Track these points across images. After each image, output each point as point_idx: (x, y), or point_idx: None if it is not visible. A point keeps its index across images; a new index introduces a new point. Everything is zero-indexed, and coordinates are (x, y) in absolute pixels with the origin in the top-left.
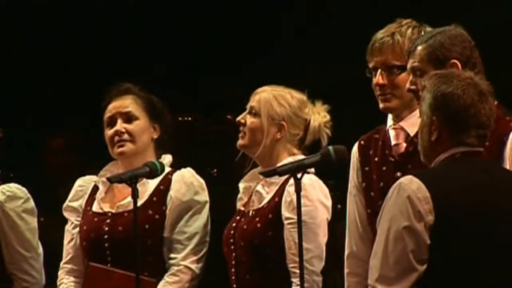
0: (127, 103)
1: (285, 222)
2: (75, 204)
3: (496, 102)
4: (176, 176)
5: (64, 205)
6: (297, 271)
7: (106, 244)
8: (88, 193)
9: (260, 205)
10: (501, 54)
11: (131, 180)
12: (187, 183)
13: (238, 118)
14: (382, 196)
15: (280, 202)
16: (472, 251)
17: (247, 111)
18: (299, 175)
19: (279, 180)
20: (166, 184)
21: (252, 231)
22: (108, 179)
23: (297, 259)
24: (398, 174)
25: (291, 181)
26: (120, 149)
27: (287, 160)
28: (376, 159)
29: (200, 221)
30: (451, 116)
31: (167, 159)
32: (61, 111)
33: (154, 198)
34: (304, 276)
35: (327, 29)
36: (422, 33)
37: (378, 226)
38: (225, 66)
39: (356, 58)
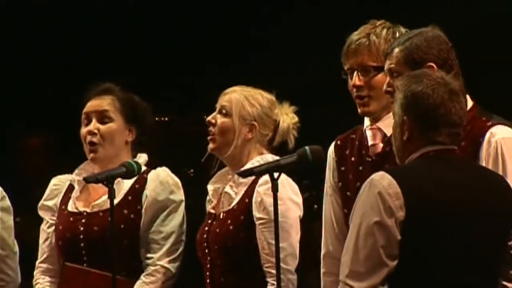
0: (105, 103)
1: (257, 222)
2: (50, 203)
3: (472, 103)
4: (152, 175)
5: (39, 204)
6: (272, 270)
7: (82, 244)
8: (63, 192)
9: (230, 207)
10: (479, 56)
11: (108, 180)
12: (162, 182)
13: (209, 118)
14: None
15: (251, 203)
16: (442, 247)
17: (217, 111)
18: (275, 175)
19: (247, 180)
20: (141, 183)
21: (224, 234)
22: (84, 179)
23: (271, 259)
24: None
25: (260, 181)
26: (92, 155)
27: (256, 160)
28: (352, 159)
29: (176, 220)
30: (421, 115)
31: (142, 158)
32: (40, 111)
33: (129, 197)
34: (280, 276)
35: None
36: (397, 33)
37: (350, 222)
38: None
39: (335, 58)
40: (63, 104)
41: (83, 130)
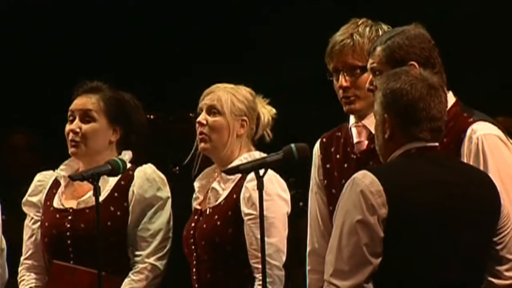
0: (89, 102)
1: (245, 218)
2: (34, 199)
3: (455, 99)
4: (138, 172)
5: (23, 200)
6: (260, 266)
7: (69, 241)
8: (48, 188)
9: (217, 202)
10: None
11: (93, 178)
12: (149, 179)
13: (199, 119)
14: None
15: (239, 199)
16: (426, 244)
17: (204, 111)
18: (261, 173)
19: (235, 176)
20: (127, 179)
21: (212, 230)
22: (70, 177)
23: (259, 254)
24: None
25: (249, 177)
26: (72, 150)
27: (243, 157)
28: (337, 156)
29: (163, 217)
30: (401, 111)
31: (127, 155)
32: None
33: (115, 194)
34: (266, 271)
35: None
36: (380, 31)
37: (334, 221)
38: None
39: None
40: (50, 100)
41: (67, 127)
